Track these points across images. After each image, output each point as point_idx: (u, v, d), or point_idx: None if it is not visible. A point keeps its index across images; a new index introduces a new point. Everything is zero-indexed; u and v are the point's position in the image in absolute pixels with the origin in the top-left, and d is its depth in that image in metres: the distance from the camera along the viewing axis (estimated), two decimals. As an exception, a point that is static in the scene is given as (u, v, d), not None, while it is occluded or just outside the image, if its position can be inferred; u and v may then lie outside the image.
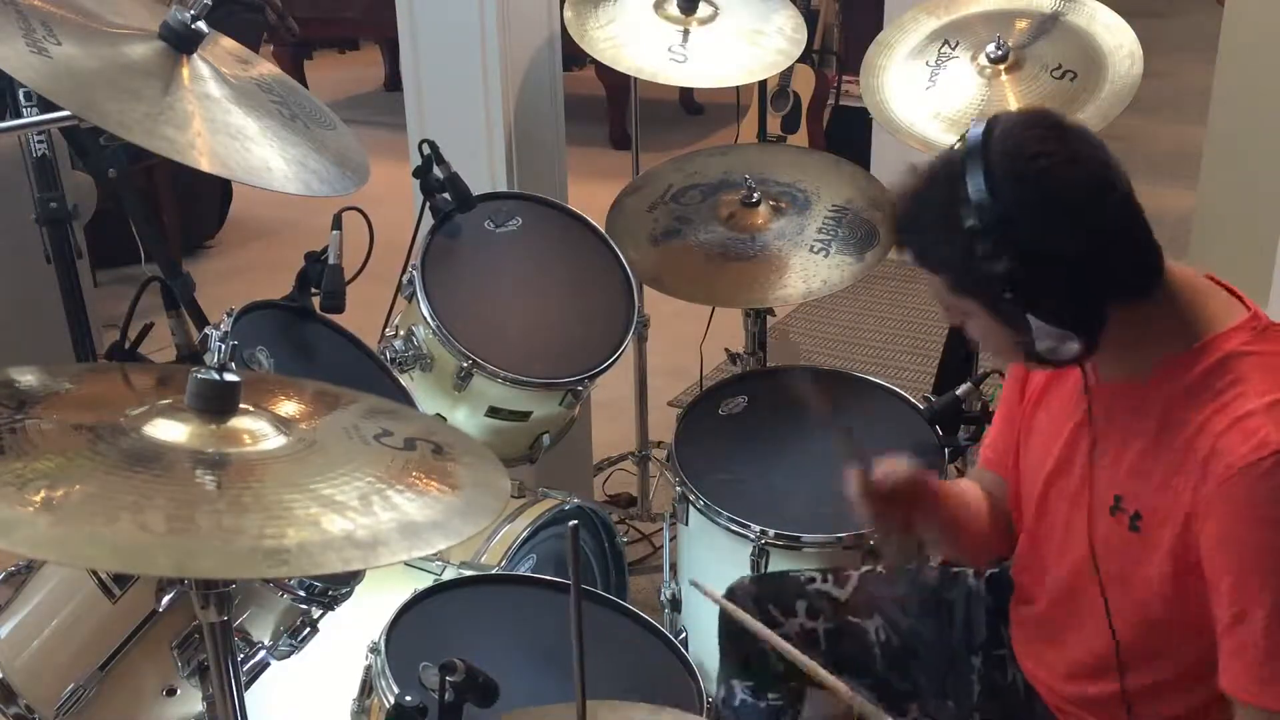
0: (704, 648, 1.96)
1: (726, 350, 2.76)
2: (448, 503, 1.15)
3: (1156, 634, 1.34)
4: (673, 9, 2.52)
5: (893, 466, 1.50)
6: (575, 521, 1.09)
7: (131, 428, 1.13)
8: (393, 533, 1.06)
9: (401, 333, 2.16)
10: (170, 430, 1.14)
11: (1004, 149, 1.25)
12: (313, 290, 2.02)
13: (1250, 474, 1.20)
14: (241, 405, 1.19)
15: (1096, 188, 1.24)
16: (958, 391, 2.15)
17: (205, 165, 1.47)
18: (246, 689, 1.42)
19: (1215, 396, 1.25)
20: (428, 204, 2.24)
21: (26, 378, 1.22)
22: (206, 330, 1.63)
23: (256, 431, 1.17)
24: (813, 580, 1.69)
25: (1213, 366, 1.27)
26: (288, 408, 1.27)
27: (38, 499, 0.99)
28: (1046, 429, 1.46)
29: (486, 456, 1.30)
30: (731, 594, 1.71)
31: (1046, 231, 1.23)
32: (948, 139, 2.31)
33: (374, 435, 1.25)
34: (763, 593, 1.69)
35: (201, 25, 1.59)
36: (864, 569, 1.73)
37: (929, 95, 2.37)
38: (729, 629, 1.71)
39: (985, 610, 1.66)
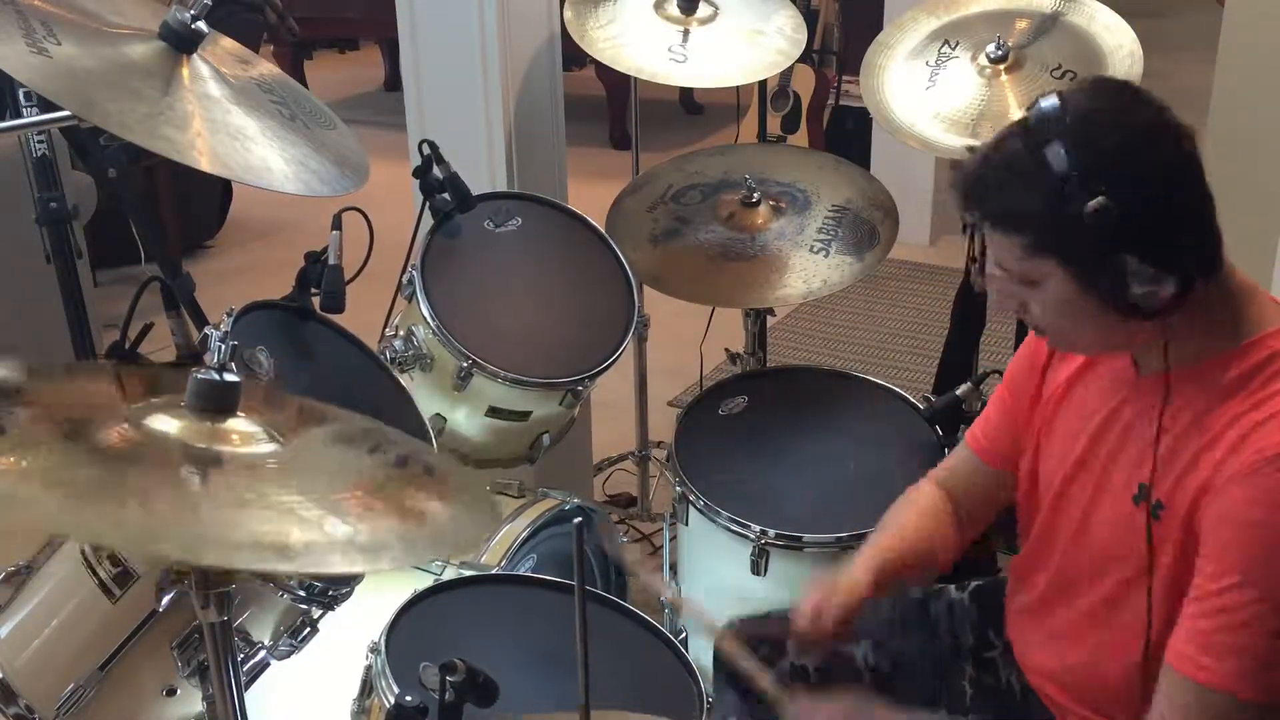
0: (703, 648, 1.96)
1: (726, 350, 2.76)
2: (439, 524, 1.15)
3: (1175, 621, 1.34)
4: (673, 9, 2.52)
5: (838, 596, 1.49)
6: (580, 519, 1.09)
7: (130, 427, 1.13)
8: (393, 539, 1.06)
9: (401, 333, 2.16)
10: (170, 430, 1.14)
11: (1083, 106, 1.25)
12: (313, 290, 2.01)
13: (1272, 466, 1.20)
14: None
15: (1171, 131, 1.25)
16: (958, 391, 2.15)
17: (205, 165, 1.47)
18: (246, 689, 1.42)
19: (1255, 392, 1.26)
20: (428, 204, 2.24)
21: (26, 377, 1.21)
22: (206, 330, 1.62)
23: (251, 434, 1.17)
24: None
25: (1259, 364, 1.27)
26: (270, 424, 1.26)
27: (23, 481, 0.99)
28: (1072, 424, 1.46)
29: (472, 483, 1.30)
30: (724, 639, 1.70)
31: (1134, 165, 1.23)
32: (948, 139, 2.31)
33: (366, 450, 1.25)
34: (753, 635, 1.68)
35: (201, 25, 1.60)
36: None
37: (929, 95, 2.37)
38: (723, 663, 1.70)
39: (970, 621, 1.66)
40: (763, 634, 1.66)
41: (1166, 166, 1.24)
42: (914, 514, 1.63)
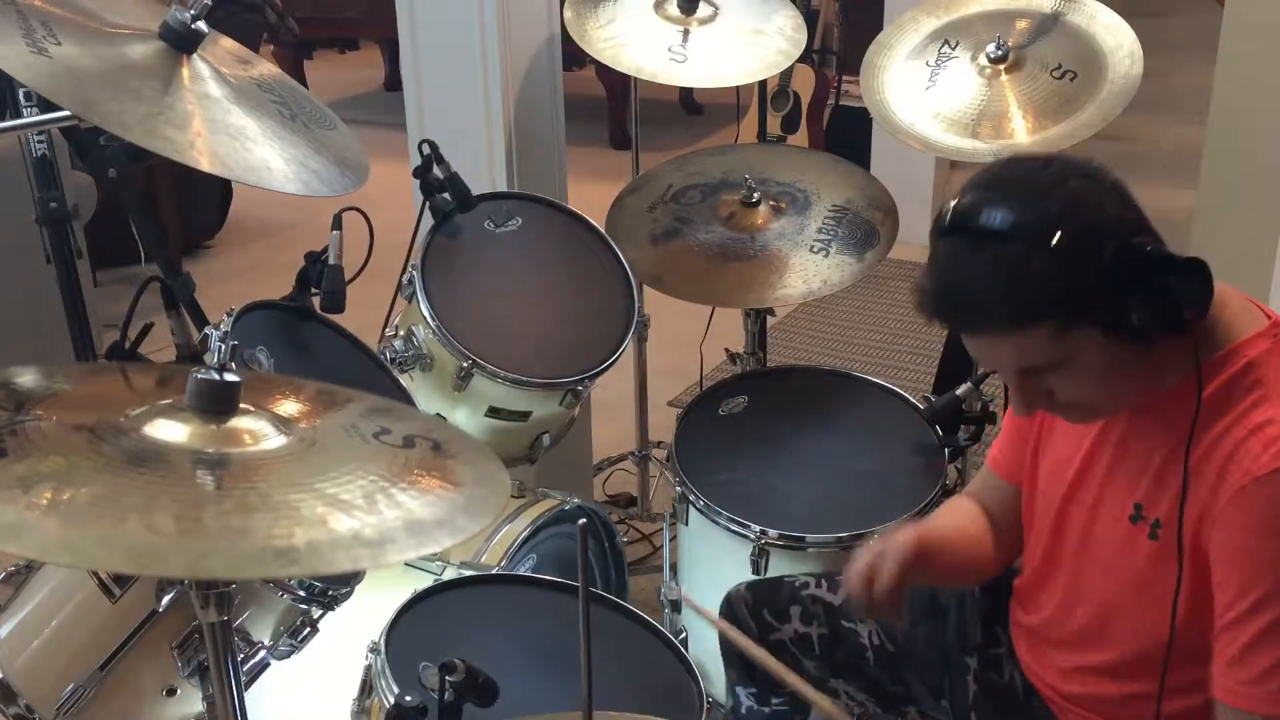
0: (704, 648, 1.96)
1: (726, 350, 2.76)
2: (451, 500, 1.15)
3: (1181, 639, 1.34)
4: (673, 9, 2.52)
5: (891, 553, 1.46)
6: (584, 520, 1.09)
7: (132, 428, 1.13)
8: (399, 531, 1.06)
9: (401, 333, 2.16)
10: (171, 431, 1.14)
11: (999, 179, 1.25)
12: (313, 290, 2.02)
13: (1268, 483, 1.20)
14: (241, 405, 1.19)
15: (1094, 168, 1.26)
16: (958, 391, 2.15)
17: (205, 165, 1.47)
18: (246, 689, 1.42)
19: (1236, 404, 1.25)
20: (428, 204, 2.24)
21: (26, 378, 1.22)
22: (206, 330, 1.63)
23: (257, 431, 1.17)
24: (806, 585, 1.69)
25: (1236, 375, 1.27)
26: (287, 407, 1.27)
27: (44, 501, 0.99)
28: (1066, 442, 1.46)
29: (484, 453, 1.30)
30: (727, 601, 1.71)
31: (1106, 207, 1.23)
32: (948, 139, 2.31)
33: (373, 434, 1.25)
34: (757, 599, 1.68)
35: (201, 25, 1.59)
36: None
37: (929, 95, 2.37)
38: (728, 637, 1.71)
39: (980, 613, 1.66)
40: (767, 600, 1.66)
41: (1094, 175, 1.25)
42: (960, 515, 1.62)
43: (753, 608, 1.68)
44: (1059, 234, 1.19)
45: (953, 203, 1.27)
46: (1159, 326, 1.22)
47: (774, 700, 1.69)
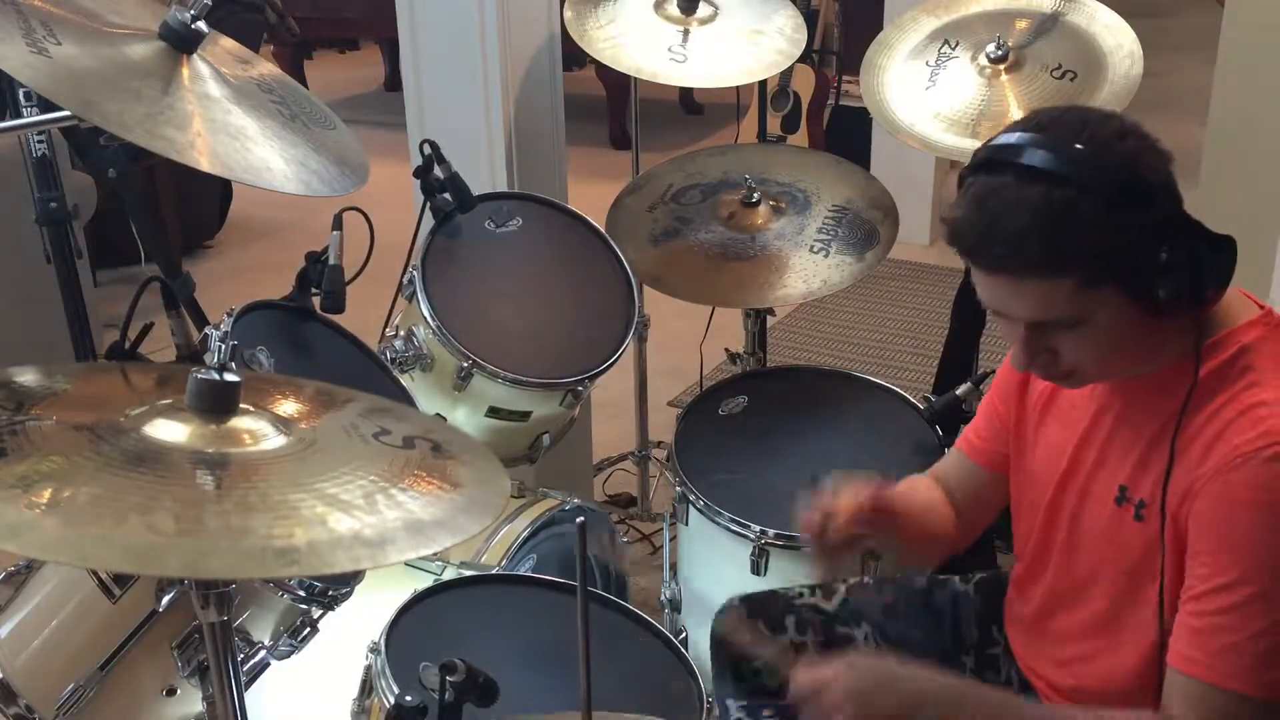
0: (704, 648, 1.96)
1: (726, 350, 2.76)
2: (451, 500, 1.15)
3: (1169, 621, 1.34)
4: (673, 9, 2.52)
5: (846, 501, 1.47)
6: (583, 519, 1.09)
7: (132, 428, 1.13)
8: (399, 531, 1.06)
9: (401, 333, 2.16)
10: (170, 430, 1.14)
11: (1058, 131, 1.22)
12: (313, 290, 2.02)
13: (1253, 460, 1.21)
14: (241, 405, 1.19)
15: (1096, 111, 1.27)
16: (958, 391, 2.15)
17: (205, 165, 1.47)
18: (246, 689, 1.42)
19: (1228, 387, 1.26)
20: (428, 204, 2.24)
21: (26, 378, 1.22)
22: (206, 330, 1.63)
23: (257, 431, 1.17)
24: (800, 595, 1.69)
25: (1229, 359, 1.27)
26: (287, 407, 1.27)
27: (44, 500, 0.99)
28: (1057, 433, 1.46)
29: (484, 454, 1.30)
30: (722, 614, 1.70)
31: (1160, 171, 1.22)
32: (948, 139, 2.31)
33: (373, 434, 1.25)
34: (752, 611, 1.68)
35: (201, 25, 1.59)
36: (851, 580, 1.73)
37: (929, 95, 2.37)
38: (720, 645, 1.70)
39: (975, 614, 1.67)
40: (761, 612, 1.66)
41: (1150, 138, 1.25)
42: (918, 490, 1.63)
43: (747, 620, 1.68)
44: (1116, 186, 1.19)
45: (1002, 137, 1.24)
46: (1181, 299, 1.22)
47: (764, 713, 1.68)
